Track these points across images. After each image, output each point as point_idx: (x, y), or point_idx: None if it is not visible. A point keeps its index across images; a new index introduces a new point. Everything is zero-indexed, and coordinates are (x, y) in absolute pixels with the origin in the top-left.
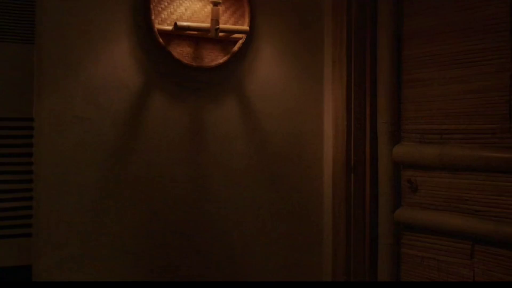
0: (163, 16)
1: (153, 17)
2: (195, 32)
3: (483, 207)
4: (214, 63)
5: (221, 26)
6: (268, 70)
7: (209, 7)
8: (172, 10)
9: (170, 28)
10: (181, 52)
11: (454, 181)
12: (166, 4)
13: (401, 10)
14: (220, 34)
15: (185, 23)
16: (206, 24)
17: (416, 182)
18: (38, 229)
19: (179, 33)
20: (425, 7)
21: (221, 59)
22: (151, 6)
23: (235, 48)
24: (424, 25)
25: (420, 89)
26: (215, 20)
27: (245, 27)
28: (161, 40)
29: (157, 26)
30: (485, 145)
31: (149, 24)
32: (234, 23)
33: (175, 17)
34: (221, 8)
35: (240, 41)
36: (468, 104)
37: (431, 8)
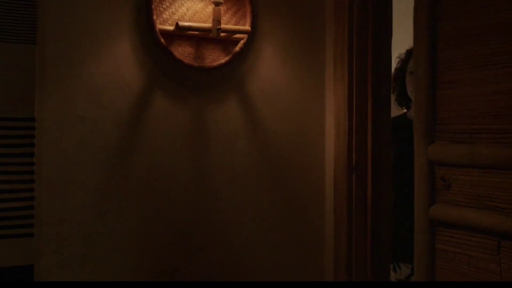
0: (164, 16)
1: (154, 17)
2: (197, 32)
3: (509, 205)
4: (215, 63)
5: (223, 26)
6: (270, 70)
7: (210, 7)
8: (173, 10)
9: (171, 28)
10: (183, 52)
11: (483, 179)
12: (167, 4)
13: (435, 14)
14: (222, 34)
15: (186, 23)
16: (208, 24)
17: (449, 180)
18: (40, 229)
19: (181, 33)
20: (458, 11)
21: (223, 59)
22: (153, 6)
23: (237, 48)
24: (456, 28)
25: (452, 91)
26: (217, 20)
27: (247, 27)
28: (162, 40)
29: (159, 26)
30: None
31: (150, 24)
32: (235, 23)
33: (176, 17)
34: (222, 8)
35: (242, 41)
36: (496, 105)
37: (464, 11)
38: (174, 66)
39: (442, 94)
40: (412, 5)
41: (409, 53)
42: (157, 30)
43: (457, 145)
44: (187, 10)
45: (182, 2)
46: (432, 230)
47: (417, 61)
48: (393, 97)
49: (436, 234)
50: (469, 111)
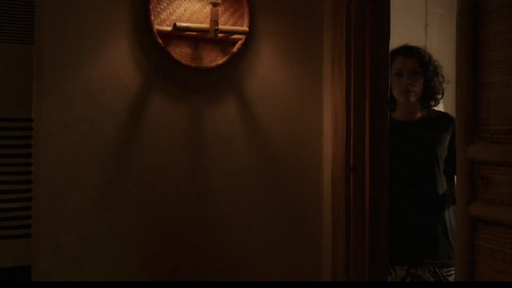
0: (162, 16)
1: (152, 17)
2: (195, 33)
3: None
4: (213, 64)
5: (221, 27)
6: (268, 71)
7: (208, 8)
8: (171, 11)
9: (169, 28)
10: (180, 52)
11: None
12: (165, 5)
13: (478, 18)
14: (220, 34)
15: (184, 24)
16: (206, 25)
17: (487, 178)
18: (37, 230)
19: (179, 33)
20: (499, 15)
21: (221, 60)
22: (151, 7)
23: (235, 48)
24: (498, 32)
25: (491, 92)
26: (214, 21)
27: (245, 27)
28: (160, 40)
29: (157, 26)
30: None
31: (148, 25)
32: (233, 24)
33: (174, 18)
34: (220, 9)
35: (240, 42)
36: None
37: (504, 16)
38: (172, 66)
39: (482, 96)
40: (411, 5)
41: (393, 54)
42: (155, 30)
43: (494, 145)
44: (185, 10)
45: (180, 3)
46: (472, 227)
47: (459, 64)
48: None
49: (475, 231)
50: (505, 112)
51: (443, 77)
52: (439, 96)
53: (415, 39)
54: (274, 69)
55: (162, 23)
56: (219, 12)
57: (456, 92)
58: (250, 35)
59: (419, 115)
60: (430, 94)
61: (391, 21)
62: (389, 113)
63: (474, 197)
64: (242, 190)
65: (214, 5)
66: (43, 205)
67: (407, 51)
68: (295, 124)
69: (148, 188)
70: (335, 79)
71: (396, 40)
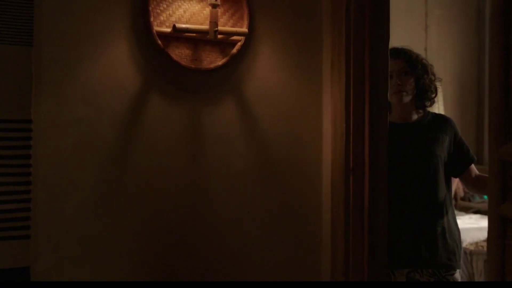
0: (161, 18)
1: (151, 19)
2: (194, 34)
3: None
4: (212, 65)
5: (220, 28)
6: (267, 72)
7: (208, 9)
8: (170, 12)
9: (168, 30)
10: (180, 54)
11: None
12: (164, 6)
13: (510, 23)
14: (219, 36)
15: (183, 25)
16: (205, 26)
17: None
18: (36, 231)
19: (178, 35)
20: None
21: (220, 61)
22: (150, 8)
23: (234, 50)
24: None
25: None
26: (214, 22)
27: (244, 29)
28: (159, 42)
29: (156, 28)
30: None
31: (147, 26)
32: (233, 25)
33: (173, 19)
34: (220, 10)
35: (239, 43)
36: None
37: None
38: (171, 68)
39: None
40: (411, 6)
41: None
42: (154, 32)
43: None
44: (184, 12)
45: (180, 4)
46: (503, 227)
47: (492, 66)
48: None
49: (506, 231)
50: None
51: (434, 75)
52: (433, 95)
53: (415, 40)
54: (273, 70)
55: (162, 25)
56: (219, 14)
57: (489, 93)
58: (249, 37)
59: (415, 116)
60: (423, 92)
61: (391, 22)
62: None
63: (505, 197)
64: (241, 190)
65: (214, 6)
66: (42, 206)
67: (394, 52)
68: (294, 125)
69: (147, 189)
70: (335, 80)
71: (396, 41)
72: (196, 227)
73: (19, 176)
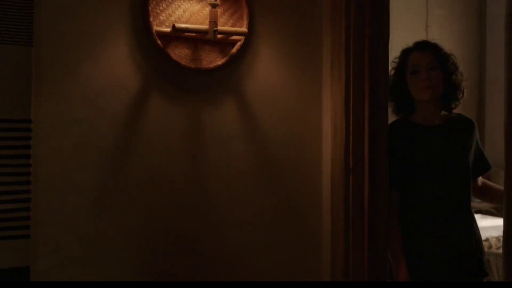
0: (161, 18)
1: (151, 19)
2: (194, 34)
3: None
4: (212, 65)
5: (220, 28)
6: (267, 72)
7: (207, 9)
8: (170, 12)
9: (168, 30)
10: (179, 54)
11: None
12: (164, 6)
13: None
14: (219, 36)
15: (183, 25)
16: (205, 26)
17: None
18: (36, 231)
19: (177, 35)
20: None
21: (220, 61)
22: (150, 8)
23: (234, 50)
24: None
25: None
26: (213, 22)
27: (244, 29)
28: (159, 42)
29: (155, 28)
30: None
31: (147, 26)
32: (232, 25)
33: (173, 19)
34: (219, 10)
35: (239, 43)
36: None
37: None
38: (170, 68)
39: None
40: (411, 6)
41: (406, 52)
42: (154, 32)
43: None
44: (184, 12)
45: (179, 4)
46: None
47: (508, 66)
48: (390, 107)
49: None
50: None
51: (462, 74)
52: (460, 95)
53: (415, 40)
54: (273, 70)
55: (161, 24)
56: (218, 13)
57: (504, 94)
58: (249, 36)
59: (442, 118)
60: (452, 91)
61: (392, 22)
62: (406, 116)
63: None
64: (241, 191)
65: (213, 6)
66: (42, 206)
67: (422, 45)
68: (294, 125)
69: (147, 189)
70: (334, 80)
71: (396, 41)
72: (196, 227)
73: (19, 175)
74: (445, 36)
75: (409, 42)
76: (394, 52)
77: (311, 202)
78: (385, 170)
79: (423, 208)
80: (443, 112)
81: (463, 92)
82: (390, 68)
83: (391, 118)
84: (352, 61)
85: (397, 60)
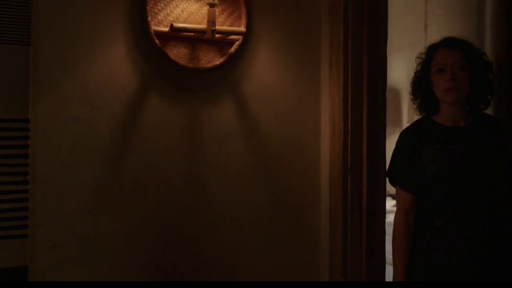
0: (159, 17)
1: (149, 18)
2: (192, 34)
3: None
4: (210, 65)
5: (218, 27)
6: (265, 72)
7: (205, 9)
8: (168, 11)
9: (166, 29)
10: (178, 53)
11: None
12: (162, 5)
13: None
14: (217, 35)
15: (181, 25)
16: (203, 26)
17: None
18: (34, 231)
19: (176, 34)
20: None
21: (218, 61)
22: (148, 8)
23: (232, 49)
24: None
25: None
26: (212, 21)
27: (242, 28)
28: (157, 41)
29: (154, 27)
30: None
31: (145, 26)
32: (230, 24)
33: (171, 19)
34: (217, 10)
35: (237, 43)
36: None
37: None
38: (169, 67)
39: None
40: (410, 6)
41: (432, 49)
42: (152, 31)
43: None
44: (182, 11)
45: (177, 3)
46: None
47: (498, 63)
48: (414, 105)
49: None
50: None
51: (493, 74)
52: (489, 96)
53: (415, 40)
54: (271, 69)
55: (159, 24)
56: (217, 13)
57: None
58: (247, 36)
59: (467, 119)
60: (478, 93)
61: (391, 22)
62: (429, 115)
63: None
64: (239, 190)
65: (212, 6)
66: (40, 205)
67: (450, 42)
68: (292, 125)
69: (144, 189)
70: (333, 80)
71: (396, 41)
72: (194, 227)
73: (17, 175)
74: (444, 36)
75: (408, 41)
76: (393, 52)
77: (309, 202)
78: (383, 169)
79: (449, 218)
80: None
81: (493, 93)
82: (415, 64)
83: (390, 118)
84: (350, 61)
85: (423, 56)
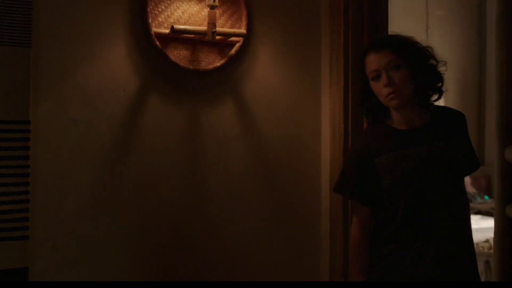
0: (160, 19)
1: (150, 20)
2: (192, 35)
3: None
4: (211, 66)
5: (218, 29)
6: (265, 73)
7: (206, 11)
8: (169, 13)
9: (167, 31)
10: (178, 55)
11: None
12: (163, 7)
13: None
14: (217, 37)
15: (182, 26)
16: (203, 27)
17: None
18: (35, 232)
19: (176, 36)
20: None
21: (218, 62)
22: (148, 9)
23: (232, 51)
24: None
25: None
26: (212, 23)
27: (242, 30)
28: (158, 43)
29: (154, 29)
30: None
31: (146, 27)
32: (231, 26)
33: (172, 20)
34: (218, 12)
35: (237, 44)
36: None
37: None
38: (169, 69)
39: None
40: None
41: (362, 56)
42: (153, 33)
43: None
44: (183, 13)
45: (178, 5)
46: (509, 228)
47: (499, 65)
48: (361, 111)
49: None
50: None
51: (435, 59)
52: (439, 84)
53: None
54: (272, 71)
55: (160, 26)
56: (217, 15)
57: (496, 93)
58: (248, 38)
59: (421, 118)
60: (425, 86)
61: (392, 23)
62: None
63: (511, 199)
64: (240, 191)
65: (212, 7)
66: (40, 206)
67: (378, 44)
68: (293, 126)
69: (145, 190)
70: (333, 81)
71: None
72: (194, 227)
73: (17, 177)
74: (445, 37)
75: None
76: None
77: (310, 202)
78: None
79: (411, 226)
80: (426, 109)
81: (441, 79)
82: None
83: None
84: (350, 62)
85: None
